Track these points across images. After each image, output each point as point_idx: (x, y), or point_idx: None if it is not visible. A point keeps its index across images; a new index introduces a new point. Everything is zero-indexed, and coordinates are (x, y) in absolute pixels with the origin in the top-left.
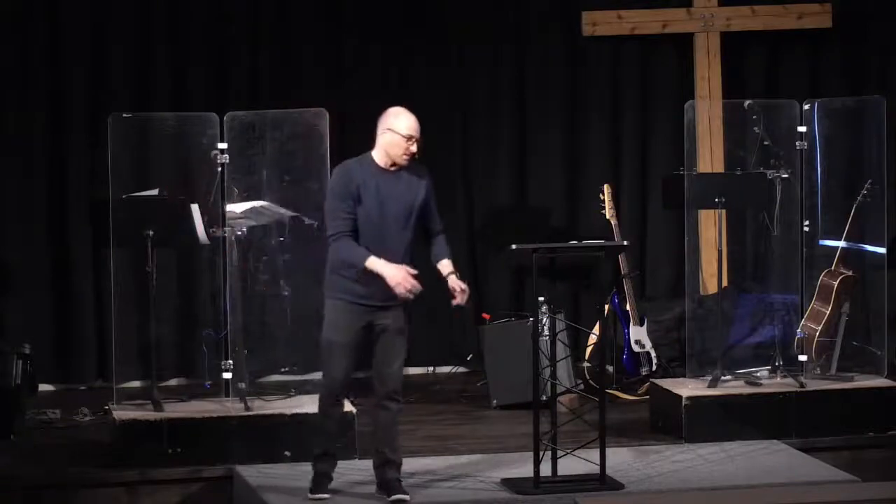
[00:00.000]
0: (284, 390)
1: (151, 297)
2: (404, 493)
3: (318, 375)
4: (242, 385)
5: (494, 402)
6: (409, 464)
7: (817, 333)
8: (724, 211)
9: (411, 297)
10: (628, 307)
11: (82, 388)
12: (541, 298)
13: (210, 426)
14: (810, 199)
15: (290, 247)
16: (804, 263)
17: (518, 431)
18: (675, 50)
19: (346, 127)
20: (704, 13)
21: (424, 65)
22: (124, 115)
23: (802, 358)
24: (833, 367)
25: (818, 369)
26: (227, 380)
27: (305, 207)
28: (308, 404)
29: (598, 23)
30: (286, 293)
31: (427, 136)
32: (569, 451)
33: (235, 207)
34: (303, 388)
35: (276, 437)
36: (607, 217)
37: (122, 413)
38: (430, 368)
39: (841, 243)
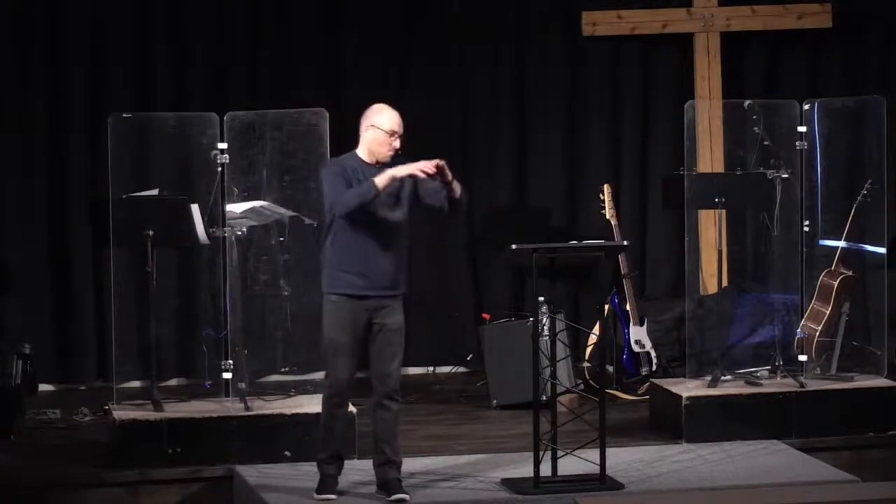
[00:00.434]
0: (284, 390)
1: (151, 297)
2: (404, 492)
3: (318, 375)
4: (242, 385)
5: (494, 402)
6: (409, 464)
7: (817, 333)
8: (724, 211)
9: (436, 169)
10: (628, 307)
11: (82, 388)
12: (541, 298)
13: (210, 426)
14: (810, 199)
15: (289, 247)
16: (804, 263)
17: (518, 431)
18: (675, 50)
19: (346, 127)
20: (704, 13)
21: (424, 65)
22: (124, 115)
23: (802, 358)
24: (833, 367)
25: (818, 369)
26: (227, 380)
27: (305, 207)
28: (308, 404)
29: (598, 23)
30: (286, 293)
31: (427, 135)
32: (569, 451)
33: (235, 207)
34: (303, 388)
35: (276, 437)
36: (607, 217)
37: (122, 413)
38: (430, 368)
39: (841, 243)
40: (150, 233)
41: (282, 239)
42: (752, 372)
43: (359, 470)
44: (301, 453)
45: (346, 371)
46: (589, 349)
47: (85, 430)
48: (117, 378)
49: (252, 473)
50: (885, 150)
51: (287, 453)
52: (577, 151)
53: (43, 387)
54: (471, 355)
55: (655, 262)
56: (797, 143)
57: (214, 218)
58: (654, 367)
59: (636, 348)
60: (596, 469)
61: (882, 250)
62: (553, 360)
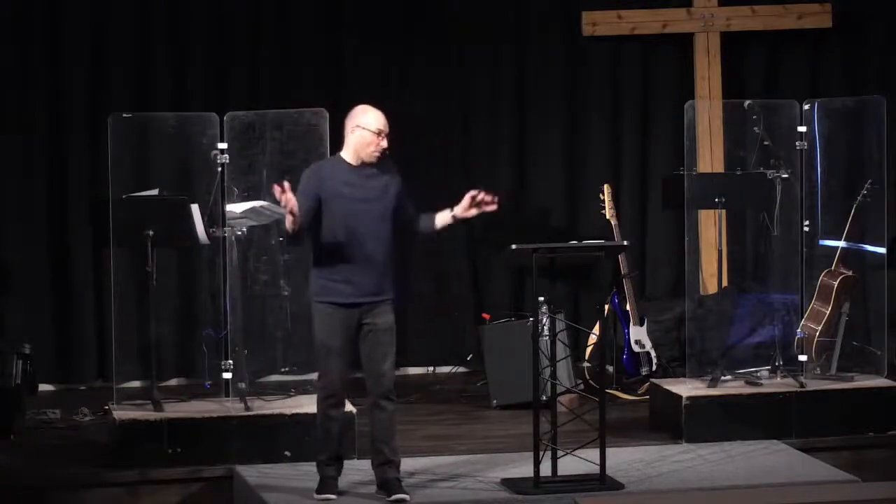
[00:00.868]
0: (284, 390)
1: (151, 297)
2: (404, 492)
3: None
4: (242, 385)
5: (494, 402)
6: (409, 464)
7: (817, 333)
8: (724, 211)
9: (287, 206)
10: (628, 307)
11: (82, 388)
12: (541, 298)
13: (210, 426)
14: (810, 199)
15: (289, 247)
16: (804, 263)
17: (518, 431)
18: (675, 50)
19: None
20: (704, 13)
21: (424, 65)
22: (124, 115)
23: (802, 358)
24: (833, 367)
25: (818, 369)
26: (227, 380)
27: None
28: (308, 404)
29: (598, 23)
30: (286, 293)
31: (427, 135)
32: (569, 451)
33: (235, 207)
34: (303, 388)
35: (276, 437)
36: (607, 217)
37: (122, 413)
38: (430, 368)
39: (841, 243)
40: (150, 233)
41: (282, 239)
42: (752, 372)
43: (358, 470)
44: (301, 453)
45: (340, 372)
46: (589, 349)
47: (85, 430)
48: (117, 378)
49: (252, 473)
50: (885, 150)
51: (287, 453)
52: (577, 151)
53: (43, 387)
54: (471, 355)
55: (655, 262)
56: (797, 143)
57: (214, 218)
58: (654, 367)
59: (636, 348)
60: (596, 469)
61: (882, 250)
62: (553, 360)
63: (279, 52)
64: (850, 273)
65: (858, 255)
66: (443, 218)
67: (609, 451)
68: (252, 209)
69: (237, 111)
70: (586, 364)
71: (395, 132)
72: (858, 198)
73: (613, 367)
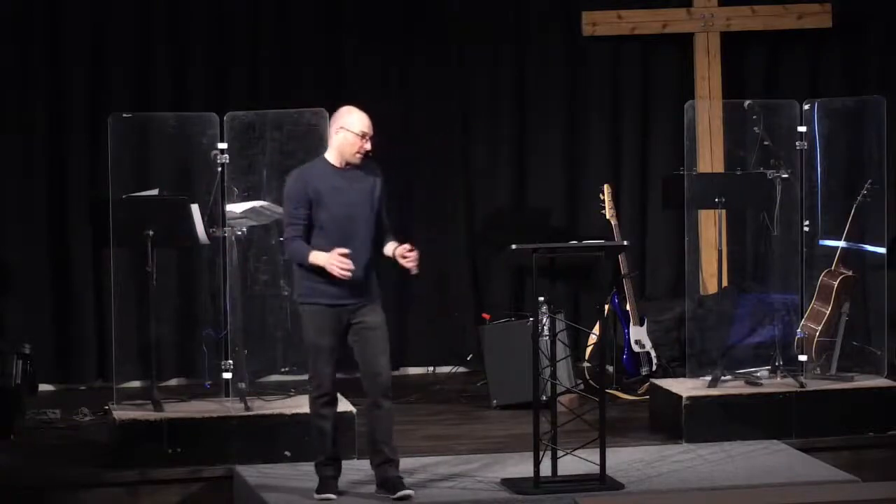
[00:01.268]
0: (284, 390)
1: (151, 297)
2: (408, 488)
3: None
4: (242, 385)
5: (494, 402)
6: (410, 464)
7: (817, 333)
8: (724, 211)
9: (348, 274)
10: (628, 307)
11: (82, 388)
12: (541, 298)
13: (210, 426)
14: (810, 199)
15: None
16: (804, 263)
17: (518, 431)
18: (675, 50)
19: None
20: (704, 13)
21: (424, 65)
22: (124, 115)
23: (802, 358)
24: (833, 367)
25: (818, 369)
26: (227, 380)
27: None
28: (308, 404)
29: (598, 23)
30: (286, 293)
31: (427, 136)
32: (569, 451)
33: (235, 207)
34: (303, 388)
35: (276, 437)
36: (607, 217)
37: (122, 413)
38: (430, 368)
39: (841, 243)
40: (150, 233)
41: (282, 239)
42: (752, 372)
43: (358, 470)
44: (301, 453)
45: (331, 372)
46: (589, 349)
47: (85, 430)
48: (117, 378)
49: (252, 473)
50: (885, 150)
51: (287, 453)
52: (577, 151)
53: (43, 387)
54: (471, 355)
55: (655, 262)
56: (797, 143)
57: (214, 218)
58: (654, 367)
59: (636, 348)
60: (596, 469)
61: (882, 250)
62: (553, 360)
63: (279, 52)
64: (850, 273)
65: (858, 255)
66: (389, 249)
67: (609, 451)
68: (252, 209)
69: (237, 111)
70: (586, 364)
71: (396, 132)
72: (858, 198)
73: (613, 367)
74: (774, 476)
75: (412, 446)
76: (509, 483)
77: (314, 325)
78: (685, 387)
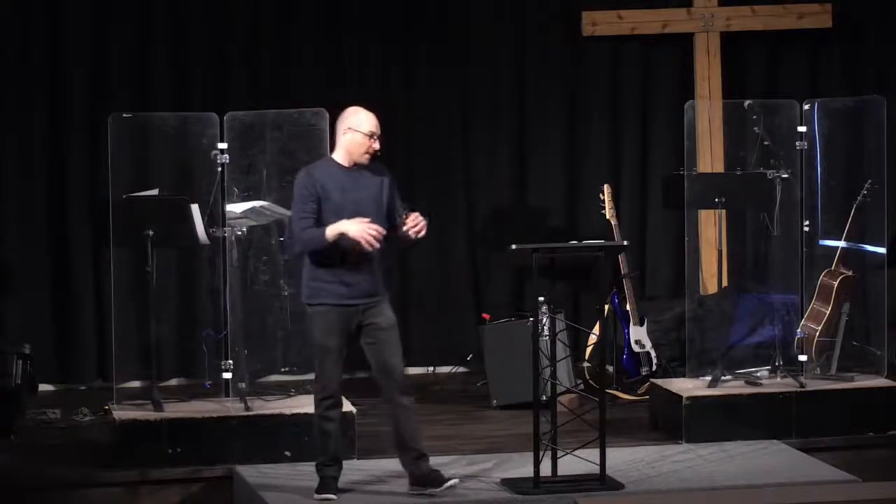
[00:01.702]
0: (284, 390)
1: (151, 297)
2: (452, 477)
3: None
4: (242, 385)
5: (494, 402)
6: None
7: (817, 333)
8: (724, 211)
9: (378, 244)
10: (628, 307)
11: (82, 388)
12: (541, 298)
13: (210, 426)
14: (810, 199)
15: (289, 247)
16: (804, 263)
17: (518, 431)
18: (675, 50)
19: None
20: (704, 13)
21: (424, 65)
22: (124, 115)
23: (802, 358)
24: (833, 367)
25: (818, 369)
26: (227, 380)
27: None
28: (308, 404)
29: (598, 23)
30: (286, 293)
31: (427, 136)
32: (569, 451)
33: (235, 207)
34: (303, 388)
35: (276, 437)
36: (607, 217)
37: (122, 413)
38: (430, 368)
39: (841, 243)
40: (150, 233)
41: (282, 239)
42: (752, 372)
43: (359, 470)
44: (301, 453)
45: (337, 374)
46: (589, 349)
47: (85, 430)
48: (117, 378)
49: (252, 473)
50: (885, 150)
51: (287, 453)
52: (577, 151)
53: (43, 387)
54: (471, 355)
55: (655, 262)
56: (797, 143)
57: (214, 218)
58: (654, 367)
59: (636, 348)
60: (596, 469)
61: (882, 250)
62: (553, 360)
63: (279, 52)
64: (850, 273)
65: (858, 255)
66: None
67: (609, 451)
68: (252, 209)
69: (237, 111)
70: (586, 364)
71: (396, 132)
72: (858, 198)
73: (613, 367)
74: (774, 476)
75: None
76: (509, 483)
77: (321, 326)
78: (685, 387)
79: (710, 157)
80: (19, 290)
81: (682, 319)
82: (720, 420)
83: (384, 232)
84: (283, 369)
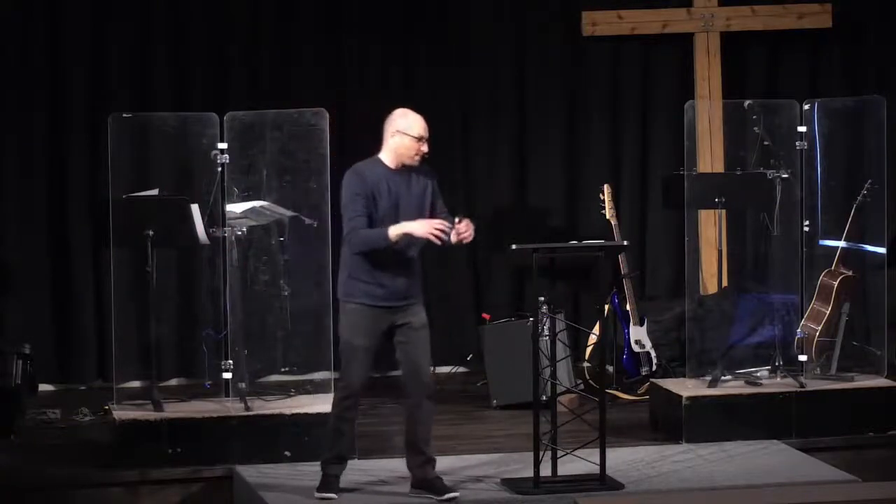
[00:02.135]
0: (284, 390)
1: (151, 297)
2: (453, 489)
3: (318, 375)
4: (242, 385)
5: (494, 402)
6: None
7: (817, 333)
8: (724, 211)
9: (446, 238)
10: (628, 307)
11: (82, 388)
12: (541, 298)
13: (210, 426)
14: (810, 199)
15: (290, 247)
16: (804, 263)
17: (518, 431)
18: (675, 50)
19: (346, 127)
20: (704, 13)
21: (424, 65)
22: (124, 115)
23: (802, 358)
24: (833, 367)
25: (818, 369)
26: (227, 380)
27: (305, 207)
28: (308, 404)
29: (598, 23)
30: (286, 293)
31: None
32: (569, 451)
33: (235, 207)
34: (303, 388)
35: (276, 437)
36: (607, 217)
37: (122, 413)
38: (431, 368)
39: (841, 243)
40: (150, 233)
41: (282, 239)
42: (752, 372)
43: (359, 470)
44: (301, 453)
45: (363, 375)
46: (589, 349)
47: (85, 430)
48: (117, 378)
49: (252, 473)
50: (885, 150)
51: (287, 453)
52: (577, 151)
53: (43, 387)
54: (471, 355)
55: (655, 262)
56: (797, 143)
57: (214, 218)
58: (654, 367)
59: (636, 348)
60: (596, 469)
61: (882, 250)
62: (553, 360)
63: (279, 52)
64: (850, 273)
65: (858, 255)
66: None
67: (609, 451)
68: (252, 209)
69: (237, 111)
70: (586, 364)
71: None
72: (858, 198)
73: (613, 367)
74: (774, 476)
75: None
76: (509, 483)
77: (350, 324)
78: (685, 387)
79: (710, 157)
80: (19, 290)
81: (682, 319)
82: (720, 420)
83: (451, 226)
84: (283, 369)
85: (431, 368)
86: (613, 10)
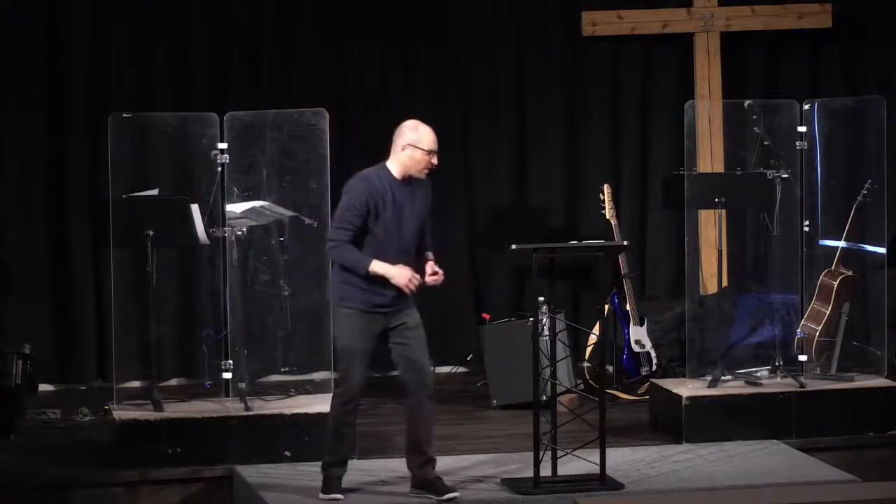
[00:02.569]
0: (284, 390)
1: (151, 297)
2: (453, 489)
3: (318, 375)
4: (242, 385)
5: (494, 402)
6: None
7: (817, 333)
8: (724, 211)
9: (414, 290)
10: (628, 307)
11: (82, 388)
12: (541, 298)
13: (210, 426)
14: (810, 199)
15: (290, 247)
16: (804, 263)
17: (518, 431)
18: (675, 50)
19: (346, 127)
20: (704, 13)
21: (424, 65)
22: (124, 115)
23: (802, 358)
24: (833, 367)
25: (818, 369)
26: (227, 380)
27: (305, 207)
28: (308, 404)
29: (598, 23)
30: (286, 293)
31: None
32: (569, 451)
33: (235, 207)
34: (303, 388)
35: (276, 437)
36: (607, 217)
37: (122, 413)
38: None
39: (841, 243)
40: (150, 233)
41: (282, 239)
42: (752, 372)
43: (359, 470)
44: (301, 453)
45: (361, 378)
46: (589, 349)
47: (85, 430)
48: (117, 378)
49: (252, 473)
50: (885, 150)
51: (287, 453)
52: (577, 151)
53: (43, 387)
54: (471, 355)
55: (655, 262)
56: (797, 143)
57: (214, 218)
58: (654, 367)
59: (636, 348)
60: (596, 469)
61: (882, 250)
62: (553, 360)
63: (279, 52)
64: (850, 273)
65: (858, 255)
66: (424, 265)
67: (609, 451)
68: (252, 209)
69: (237, 111)
70: (586, 364)
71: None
72: (858, 198)
73: (613, 367)
74: (774, 476)
75: None
76: (509, 483)
77: (349, 329)
78: (685, 387)
79: (710, 157)
80: (19, 290)
81: (682, 319)
82: (720, 420)
83: (423, 282)
84: (283, 369)
85: (432, 368)
86: (613, 10)
